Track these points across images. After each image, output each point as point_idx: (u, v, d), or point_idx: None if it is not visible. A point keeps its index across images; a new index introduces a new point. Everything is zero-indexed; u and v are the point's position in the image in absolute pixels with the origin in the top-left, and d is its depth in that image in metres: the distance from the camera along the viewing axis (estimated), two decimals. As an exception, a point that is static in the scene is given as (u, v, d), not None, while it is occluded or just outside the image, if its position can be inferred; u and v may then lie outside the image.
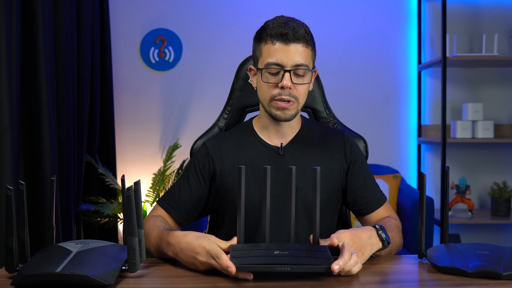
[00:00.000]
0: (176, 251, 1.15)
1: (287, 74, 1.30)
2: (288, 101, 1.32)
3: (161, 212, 1.40)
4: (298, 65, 1.30)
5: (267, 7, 3.35)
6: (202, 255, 1.08)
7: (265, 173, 1.10)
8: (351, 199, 1.43)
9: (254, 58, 1.39)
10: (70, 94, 2.51)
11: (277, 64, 1.30)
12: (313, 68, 1.37)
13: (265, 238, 1.11)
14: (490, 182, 3.36)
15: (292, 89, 1.32)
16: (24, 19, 2.11)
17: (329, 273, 1.02)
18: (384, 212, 1.42)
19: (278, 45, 1.30)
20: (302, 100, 1.35)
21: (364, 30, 3.41)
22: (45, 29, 2.19)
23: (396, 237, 1.29)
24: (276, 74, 1.32)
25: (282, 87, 1.30)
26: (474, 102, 3.27)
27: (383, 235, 1.19)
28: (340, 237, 1.11)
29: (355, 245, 1.12)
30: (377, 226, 1.21)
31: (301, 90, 1.34)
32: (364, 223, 1.44)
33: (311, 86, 1.41)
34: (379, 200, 1.43)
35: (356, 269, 1.07)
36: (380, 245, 1.19)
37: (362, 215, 1.44)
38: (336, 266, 1.01)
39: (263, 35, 1.33)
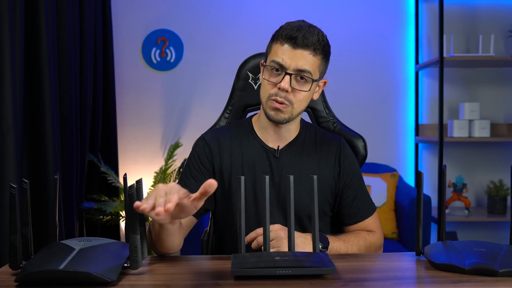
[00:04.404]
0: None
1: (287, 77, 1.29)
2: (282, 103, 1.31)
3: None
4: (300, 70, 1.29)
5: (267, 7, 3.36)
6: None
7: (264, 183, 1.08)
8: (337, 209, 1.45)
9: (265, 54, 1.38)
10: (73, 93, 2.52)
11: (280, 64, 1.29)
12: (319, 79, 1.35)
13: (264, 247, 1.09)
14: (487, 180, 3.38)
15: (290, 93, 1.30)
16: (28, 19, 2.11)
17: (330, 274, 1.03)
18: (367, 226, 1.43)
19: (286, 47, 1.29)
20: (297, 106, 1.33)
21: (363, 30, 3.42)
22: (48, 30, 2.20)
23: (347, 251, 1.32)
24: (278, 74, 1.31)
25: (280, 88, 1.30)
26: (471, 102, 3.29)
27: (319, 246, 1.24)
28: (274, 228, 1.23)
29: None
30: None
31: (299, 96, 1.31)
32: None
33: (315, 96, 1.38)
34: (363, 215, 1.43)
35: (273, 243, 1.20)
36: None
37: (344, 225, 1.45)
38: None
39: (276, 34, 1.33)
